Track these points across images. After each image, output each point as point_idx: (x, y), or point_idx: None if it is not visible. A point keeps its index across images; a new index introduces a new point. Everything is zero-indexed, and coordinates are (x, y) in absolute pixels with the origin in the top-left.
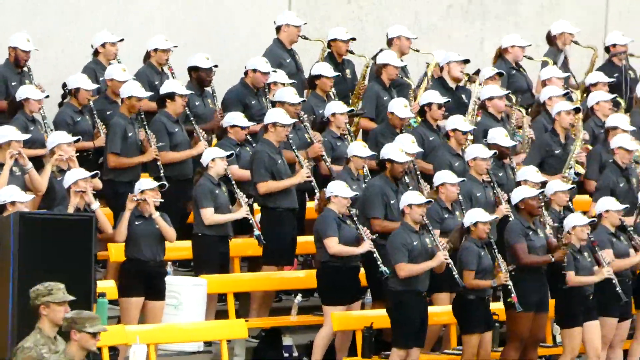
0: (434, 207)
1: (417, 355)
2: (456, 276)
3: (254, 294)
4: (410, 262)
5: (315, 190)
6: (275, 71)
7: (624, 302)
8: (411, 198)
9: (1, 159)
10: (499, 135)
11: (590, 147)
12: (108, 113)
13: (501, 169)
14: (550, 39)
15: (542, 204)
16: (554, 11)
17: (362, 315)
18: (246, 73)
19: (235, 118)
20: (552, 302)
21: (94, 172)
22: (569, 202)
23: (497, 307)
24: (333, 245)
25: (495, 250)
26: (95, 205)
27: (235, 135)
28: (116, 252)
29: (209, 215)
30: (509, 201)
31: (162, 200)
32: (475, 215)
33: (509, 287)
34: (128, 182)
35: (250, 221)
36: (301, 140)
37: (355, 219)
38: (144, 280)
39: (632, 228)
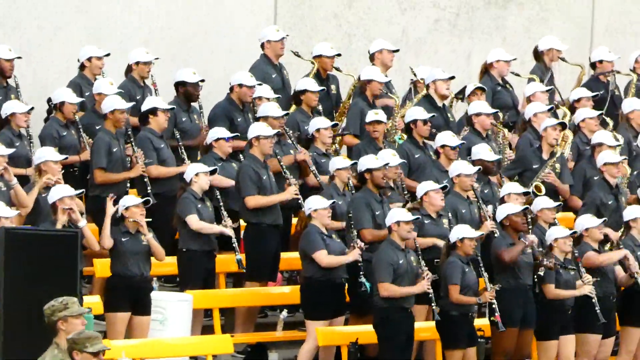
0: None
1: None
2: (434, 308)
3: (238, 309)
4: (394, 281)
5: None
6: (260, 84)
7: (601, 323)
8: (398, 215)
9: None
10: (483, 151)
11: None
12: (97, 127)
13: (487, 185)
14: (538, 55)
15: (529, 220)
16: (541, 26)
17: (347, 330)
18: (231, 89)
19: (218, 131)
20: None
21: (80, 190)
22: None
23: (482, 323)
24: (323, 258)
25: (482, 269)
26: (83, 222)
27: (220, 149)
28: (102, 268)
29: (194, 221)
30: (494, 218)
31: (150, 220)
32: (461, 231)
33: (494, 305)
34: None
35: (234, 244)
36: (286, 155)
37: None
38: (130, 295)
39: (617, 244)
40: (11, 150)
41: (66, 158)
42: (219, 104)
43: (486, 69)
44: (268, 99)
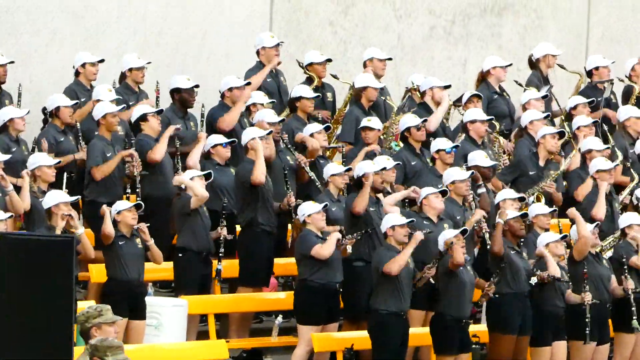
0: (417, 223)
1: None
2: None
3: (232, 315)
4: (394, 283)
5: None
6: (249, 83)
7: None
8: (393, 220)
9: None
10: (478, 157)
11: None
12: (96, 133)
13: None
14: (533, 63)
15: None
16: (536, 34)
17: (342, 336)
18: (222, 95)
19: (215, 138)
20: None
21: (75, 197)
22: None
23: (477, 329)
24: (321, 250)
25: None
26: (81, 230)
27: (218, 155)
28: (97, 273)
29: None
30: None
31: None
32: (448, 236)
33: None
34: (109, 204)
35: (220, 253)
36: (283, 161)
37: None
38: (128, 300)
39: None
40: (7, 157)
41: (59, 162)
42: (213, 108)
43: (483, 77)
44: (262, 105)
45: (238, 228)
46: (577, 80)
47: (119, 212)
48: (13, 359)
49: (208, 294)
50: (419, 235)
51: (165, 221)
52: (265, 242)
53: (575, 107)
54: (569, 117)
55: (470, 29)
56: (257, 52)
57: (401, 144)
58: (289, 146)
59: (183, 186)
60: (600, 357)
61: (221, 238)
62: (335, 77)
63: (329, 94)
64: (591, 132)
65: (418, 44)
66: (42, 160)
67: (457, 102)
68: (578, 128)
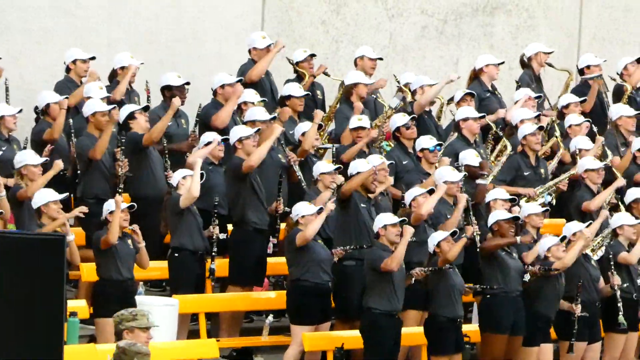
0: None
1: None
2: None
3: (223, 314)
4: (387, 282)
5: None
6: (241, 80)
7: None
8: (385, 219)
9: None
10: (469, 156)
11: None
12: (85, 132)
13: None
14: (524, 63)
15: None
16: (528, 34)
17: (333, 335)
18: (215, 93)
19: (208, 136)
20: None
21: (64, 194)
22: None
23: (469, 329)
24: (304, 233)
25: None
26: (71, 237)
27: (211, 154)
28: (88, 272)
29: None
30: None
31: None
32: (437, 238)
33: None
34: (98, 202)
35: (213, 253)
36: (274, 160)
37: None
38: (121, 300)
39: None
40: None
41: (46, 160)
42: (205, 106)
43: (475, 75)
44: (253, 103)
45: (230, 227)
46: (567, 78)
47: (111, 212)
48: (2, 358)
49: (203, 293)
50: (409, 229)
51: (156, 221)
52: (257, 240)
53: (567, 106)
54: (560, 115)
55: (462, 28)
56: (249, 51)
57: (392, 144)
58: (282, 142)
59: (174, 184)
60: (592, 355)
61: (214, 237)
62: (326, 74)
63: (318, 92)
64: (583, 131)
65: (410, 43)
66: (28, 159)
67: (450, 101)
68: (570, 127)
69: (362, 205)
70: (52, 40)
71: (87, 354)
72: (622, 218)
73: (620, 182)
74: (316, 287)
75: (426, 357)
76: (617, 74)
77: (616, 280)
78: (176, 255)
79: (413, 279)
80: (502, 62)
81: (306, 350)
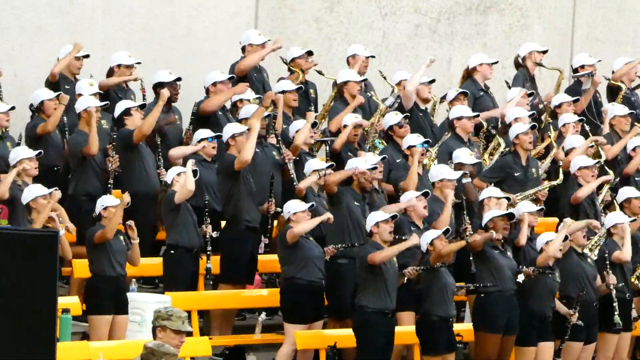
0: (405, 225)
1: None
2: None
3: (214, 312)
4: (380, 281)
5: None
6: (233, 76)
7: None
8: (377, 216)
9: None
10: (463, 154)
11: None
12: (76, 129)
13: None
14: (518, 63)
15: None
16: (521, 33)
17: (325, 334)
18: (207, 91)
19: (201, 133)
20: None
21: (53, 188)
22: None
23: (461, 328)
24: (292, 230)
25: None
26: (61, 232)
27: (204, 151)
28: (80, 268)
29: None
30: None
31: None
32: (430, 236)
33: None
34: (92, 199)
35: (208, 252)
36: (268, 157)
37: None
38: (114, 296)
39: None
40: None
41: (40, 153)
42: (198, 103)
43: (469, 74)
44: (249, 101)
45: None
46: (558, 77)
47: (105, 208)
48: None
49: (196, 290)
50: (414, 239)
51: (150, 217)
52: (249, 238)
53: (559, 106)
54: (553, 114)
55: (455, 27)
56: (243, 49)
57: (384, 142)
58: (279, 140)
59: (169, 181)
60: (585, 355)
61: (207, 236)
62: (320, 73)
63: (311, 90)
64: (576, 130)
65: (403, 41)
66: (22, 153)
67: (442, 99)
68: (564, 125)
69: (356, 203)
70: (47, 37)
71: (80, 350)
72: (615, 217)
73: (610, 177)
74: (310, 285)
75: (419, 357)
76: (613, 72)
77: (612, 279)
78: (172, 252)
79: (405, 278)
80: (496, 62)
81: (299, 349)
